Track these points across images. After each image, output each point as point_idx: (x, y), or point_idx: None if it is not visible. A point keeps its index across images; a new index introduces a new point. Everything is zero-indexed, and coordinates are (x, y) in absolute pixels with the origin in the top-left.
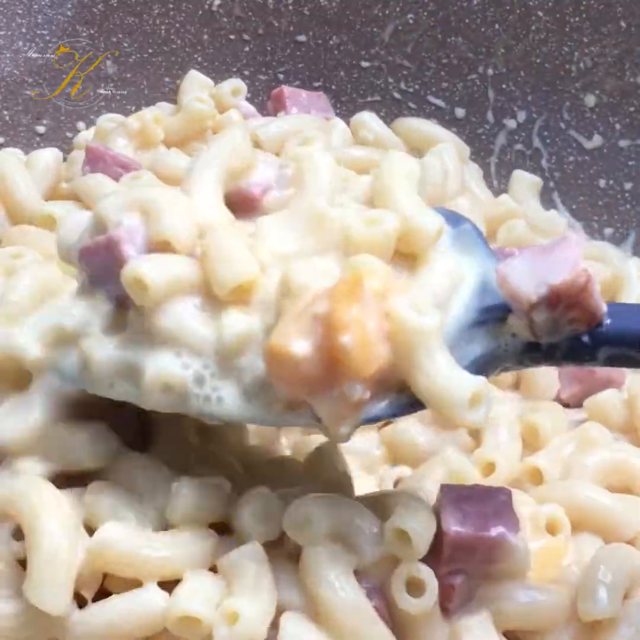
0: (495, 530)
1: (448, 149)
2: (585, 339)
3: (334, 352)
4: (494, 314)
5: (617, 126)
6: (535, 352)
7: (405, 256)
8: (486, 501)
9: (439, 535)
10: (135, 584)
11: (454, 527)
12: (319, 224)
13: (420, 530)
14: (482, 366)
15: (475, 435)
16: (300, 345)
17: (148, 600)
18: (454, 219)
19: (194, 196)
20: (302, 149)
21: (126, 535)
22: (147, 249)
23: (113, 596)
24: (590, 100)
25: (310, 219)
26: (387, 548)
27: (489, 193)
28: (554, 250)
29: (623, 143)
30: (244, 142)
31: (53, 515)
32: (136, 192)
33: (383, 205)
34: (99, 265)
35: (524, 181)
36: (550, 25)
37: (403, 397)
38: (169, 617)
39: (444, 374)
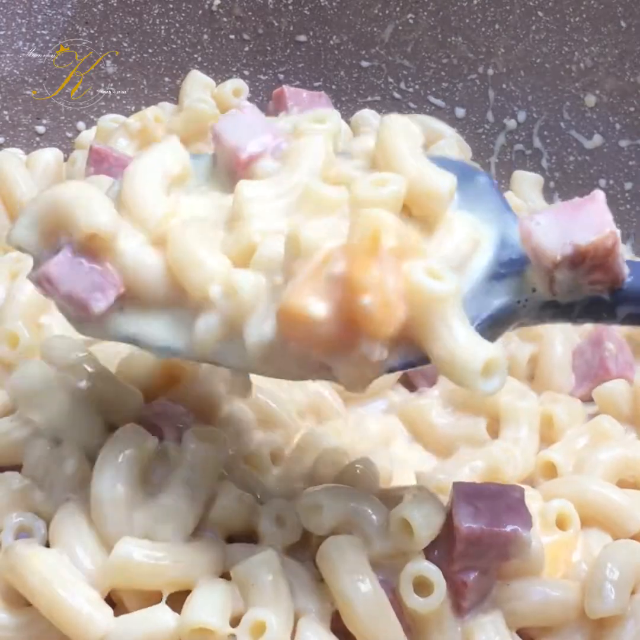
0: (508, 526)
1: (451, 144)
2: (605, 296)
3: (353, 314)
4: (513, 268)
5: (617, 126)
6: (554, 309)
7: (418, 219)
8: (499, 498)
9: (452, 531)
10: (145, 593)
11: (466, 523)
12: (310, 199)
13: (423, 520)
14: (500, 320)
15: (494, 424)
16: (317, 307)
17: (159, 620)
18: (468, 171)
19: (139, 186)
20: (311, 126)
21: (143, 547)
22: (80, 254)
23: (123, 617)
24: (590, 100)
25: (301, 195)
26: (393, 539)
27: None
28: (582, 208)
29: (623, 143)
30: (181, 150)
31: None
32: (41, 201)
33: (389, 170)
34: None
35: (526, 180)
36: (550, 25)
37: (419, 350)
38: (183, 631)
39: (458, 342)
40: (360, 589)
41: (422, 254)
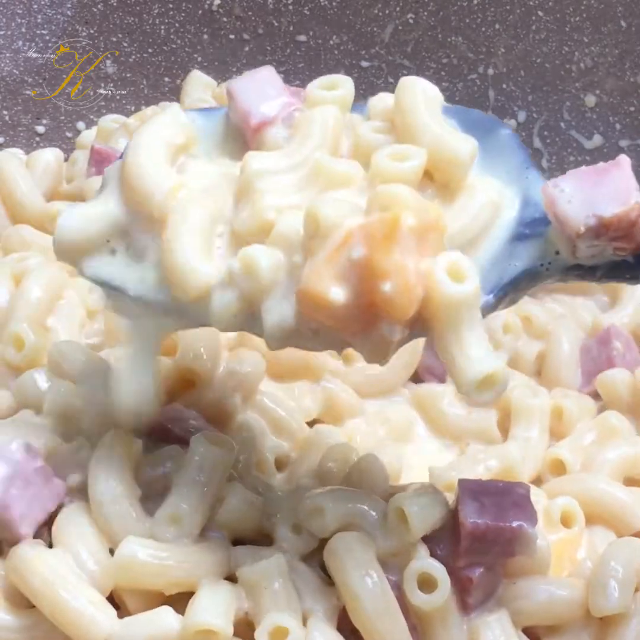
0: (513, 522)
1: None
2: (629, 259)
3: (374, 298)
4: (536, 228)
5: (617, 126)
6: (577, 271)
7: (440, 183)
8: (504, 494)
9: (457, 527)
10: (148, 596)
11: (471, 518)
12: (322, 174)
13: (419, 510)
14: (523, 283)
15: (505, 418)
16: (337, 292)
17: (163, 622)
18: (490, 124)
19: (141, 161)
20: (321, 94)
21: (147, 547)
22: None
23: (126, 619)
24: (590, 100)
25: (312, 170)
26: (392, 532)
27: None
28: (606, 175)
29: (623, 143)
30: (183, 117)
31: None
32: None
33: (409, 138)
34: None
35: None
36: (550, 25)
37: None
38: (187, 633)
39: (463, 350)
40: (367, 584)
41: (443, 230)
